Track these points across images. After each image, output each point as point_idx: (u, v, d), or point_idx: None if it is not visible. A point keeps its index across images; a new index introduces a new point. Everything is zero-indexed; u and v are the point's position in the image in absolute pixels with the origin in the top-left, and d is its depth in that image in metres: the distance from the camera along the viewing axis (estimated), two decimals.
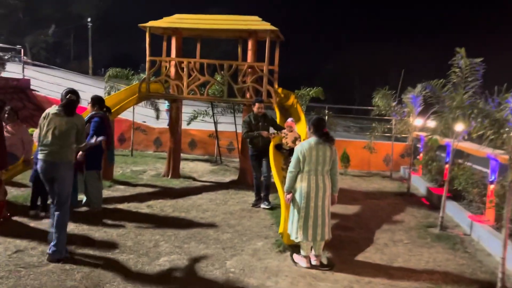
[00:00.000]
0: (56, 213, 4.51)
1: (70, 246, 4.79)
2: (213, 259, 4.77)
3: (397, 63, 38.66)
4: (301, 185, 4.69)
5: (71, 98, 4.64)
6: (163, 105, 13.74)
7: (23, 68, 13.49)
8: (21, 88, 12.96)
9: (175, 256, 4.80)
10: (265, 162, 7.09)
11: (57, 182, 4.50)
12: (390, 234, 6.21)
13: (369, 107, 12.06)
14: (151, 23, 8.71)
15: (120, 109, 8.38)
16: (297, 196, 4.73)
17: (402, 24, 46.51)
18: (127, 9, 48.49)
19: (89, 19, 47.55)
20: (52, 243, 4.46)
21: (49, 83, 13.49)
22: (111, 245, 4.98)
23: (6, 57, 13.37)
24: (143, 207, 6.71)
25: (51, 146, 4.49)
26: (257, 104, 7.16)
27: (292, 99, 8.92)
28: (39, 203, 6.04)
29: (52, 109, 4.61)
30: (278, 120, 7.92)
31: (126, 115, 12.66)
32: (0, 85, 12.18)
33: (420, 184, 9.68)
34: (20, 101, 12.52)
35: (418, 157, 10.84)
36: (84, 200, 6.42)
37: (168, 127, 13.44)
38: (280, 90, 9.20)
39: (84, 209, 6.31)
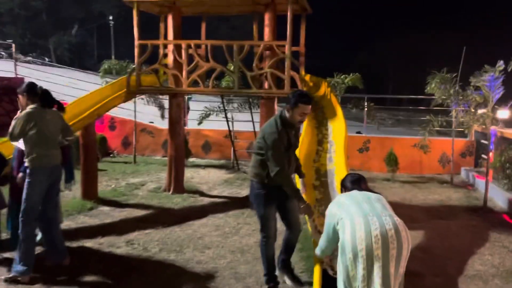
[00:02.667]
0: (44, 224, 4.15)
1: None
2: None
3: (433, 51, 35.57)
4: (352, 234, 2.63)
5: (45, 89, 4.18)
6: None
7: (15, 65, 11.92)
8: (13, 88, 11.37)
9: None
10: (289, 206, 3.72)
11: (55, 187, 4.21)
12: (482, 285, 4.08)
13: (411, 96, 9.87)
14: None
15: (102, 108, 6.56)
16: (344, 257, 2.66)
17: (436, 10, 42.86)
18: None
19: (110, 17, 46.54)
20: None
21: (50, 82, 11.87)
22: None
23: None
24: (120, 244, 4.82)
25: (51, 148, 4.08)
26: (301, 106, 3.49)
27: (324, 88, 6.84)
28: None
29: (33, 108, 4.01)
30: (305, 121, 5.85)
31: (131, 114, 10.96)
32: None
33: (495, 194, 7.38)
34: (11, 103, 10.95)
35: (484, 156, 8.57)
36: (39, 237, 4.58)
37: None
38: (308, 77, 7.15)
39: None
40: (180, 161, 7.37)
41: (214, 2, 7.05)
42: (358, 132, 10.87)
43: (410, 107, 15.14)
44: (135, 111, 10.16)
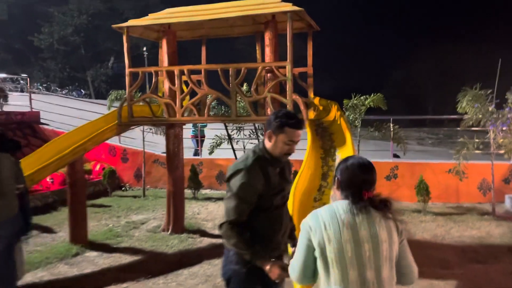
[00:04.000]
0: None
1: None
2: None
3: (475, 64, 33.68)
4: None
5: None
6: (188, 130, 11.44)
7: (30, 99, 11.87)
8: (27, 122, 11.30)
9: None
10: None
11: (15, 240, 3.84)
12: None
13: (448, 116, 8.87)
14: (131, 22, 6.40)
15: (89, 142, 6.04)
16: None
17: (476, 21, 40.90)
18: None
19: (144, 48, 47.73)
20: None
21: (63, 115, 11.70)
22: None
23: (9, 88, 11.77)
24: None
25: (9, 197, 3.66)
26: (289, 130, 2.40)
27: (334, 112, 6.05)
28: None
29: None
30: (308, 148, 5.15)
31: (140, 144, 10.54)
32: (0, 121, 10.57)
33: None
34: (24, 137, 10.83)
35: None
36: None
37: (194, 157, 11.20)
38: (317, 100, 6.39)
39: None
40: (179, 197, 6.73)
41: (212, 24, 6.52)
42: (396, 156, 9.84)
43: (445, 129, 13.94)
44: (143, 141, 9.72)
